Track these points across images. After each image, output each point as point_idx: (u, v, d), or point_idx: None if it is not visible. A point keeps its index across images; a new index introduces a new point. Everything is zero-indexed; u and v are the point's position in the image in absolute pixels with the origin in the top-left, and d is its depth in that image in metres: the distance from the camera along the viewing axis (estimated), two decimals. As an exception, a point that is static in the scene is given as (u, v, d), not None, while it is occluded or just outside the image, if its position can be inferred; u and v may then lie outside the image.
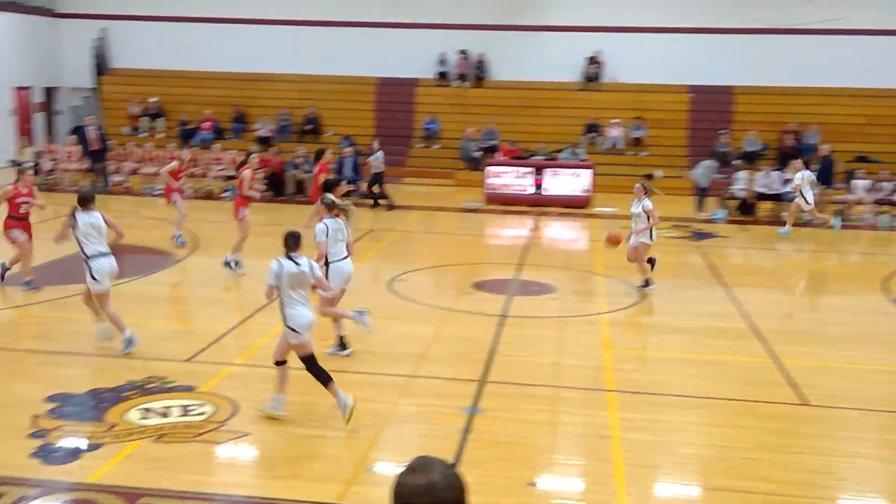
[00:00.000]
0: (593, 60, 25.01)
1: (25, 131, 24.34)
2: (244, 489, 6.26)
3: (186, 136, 23.62)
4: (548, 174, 20.44)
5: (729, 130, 23.01)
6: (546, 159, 21.23)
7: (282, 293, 7.17)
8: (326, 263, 8.83)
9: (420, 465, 2.27)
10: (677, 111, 24.28)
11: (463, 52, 25.39)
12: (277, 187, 20.45)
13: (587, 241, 17.24)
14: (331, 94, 25.17)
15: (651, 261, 12.12)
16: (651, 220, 11.85)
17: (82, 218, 8.96)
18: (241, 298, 11.87)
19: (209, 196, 20.26)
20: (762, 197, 19.25)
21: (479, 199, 20.63)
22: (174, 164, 15.16)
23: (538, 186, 20.43)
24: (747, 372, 9.01)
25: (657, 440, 7.17)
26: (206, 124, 23.78)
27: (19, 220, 11.42)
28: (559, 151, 22.11)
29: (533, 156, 21.50)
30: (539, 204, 20.04)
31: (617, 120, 23.80)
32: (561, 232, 18.75)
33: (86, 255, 8.88)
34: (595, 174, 20.43)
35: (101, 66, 26.02)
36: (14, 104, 24.66)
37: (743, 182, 19.32)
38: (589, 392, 8.22)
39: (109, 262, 9.01)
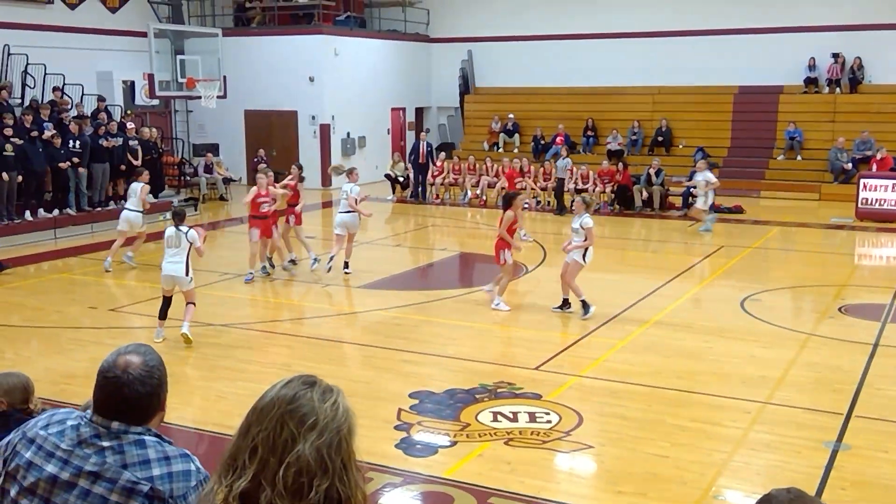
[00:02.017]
0: None
1: (398, 149, 26.75)
2: (588, 501, 6.27)
3: (540, 150, 24.44)
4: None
5: None
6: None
7: None
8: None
9: (798, 498, 2.02)
10: None
11: (836, 55, 23.41)
12: (626, 201, 20.38)
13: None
14: (684, 105, 24.59)
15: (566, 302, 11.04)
16: (588, 239, 10.60)
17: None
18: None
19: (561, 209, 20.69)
20: None
21: (849, 214, 18.88)
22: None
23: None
24: None
25: None
26: (559, 139, 24.42)
27: (259, 218, 12.68)
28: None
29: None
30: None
31: None
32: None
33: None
34: None
35: (466, 87, 27.84)
36: (389, 124, 27.27)
37: None
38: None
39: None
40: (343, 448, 1.96)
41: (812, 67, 23.62)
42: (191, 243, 9.66)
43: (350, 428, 2.00)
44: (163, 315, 9.94)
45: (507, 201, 11.39)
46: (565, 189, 20.00)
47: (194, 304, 9.97)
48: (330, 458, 1.92)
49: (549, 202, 20.97)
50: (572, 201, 12.02)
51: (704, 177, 17.35)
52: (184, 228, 9.72)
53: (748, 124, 23.82)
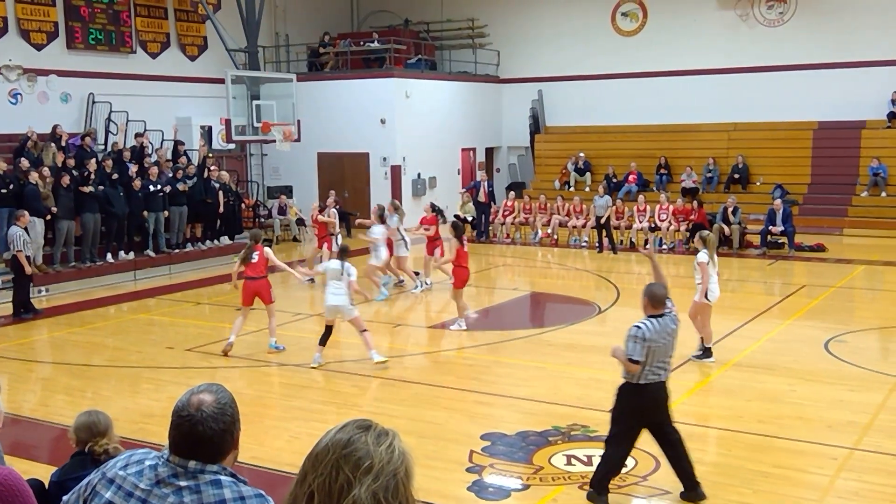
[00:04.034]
0: None
1: (468, 189, 26.82)
2: (666, 550, 6.05)
3: (613, 189, 24.22)
4: None
5: None
6: None
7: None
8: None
9: None
10: None
11: (919, 89, 22.74)
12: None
13: None
14: (761, 141, 24.10)
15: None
16: (703, 276, 10.19)
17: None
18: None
19: (632, 247, 20.44)
20: None
21: (937, 252, 18.16)
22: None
23: None
24: None
25: None
26: (632, 177, 24.18)
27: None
28: None
29: None
30: None
31: None
32: None
33: None
34: None
35: (536, 126, 27.87)
36: (460, 164, 27.42)
37: None
38: None
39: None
40: (400, 491, 1.92)
41: (895, 102, 22.96)
42: (350, 277, 10.32)
43: (407, 471, 1.96)
44: (323, 342, 10.49)
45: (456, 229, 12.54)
46: (613, 227, 20.07)
47: (366, 330, 10.47)
48: (387, 501, 1.89)
49: (617, 241, 20.71)
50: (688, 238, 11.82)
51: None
52: (346, 264, 10.35)
53: (829, 160, 23.20)
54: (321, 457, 1.95)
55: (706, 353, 10.45)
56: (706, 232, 10.94)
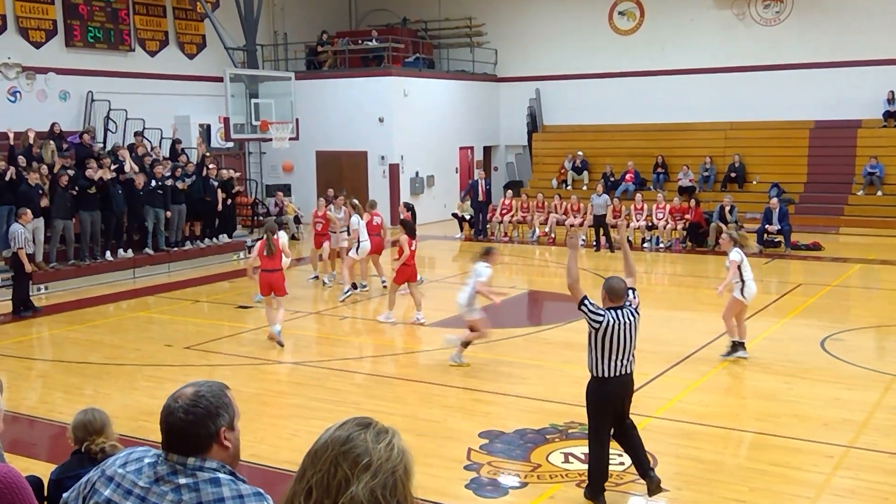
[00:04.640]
0: None
1: (466, 192, 26.84)
2: (662, 547, 6.09)
3: (610, 187, 24.24)
4: None
5: None
6: None
7: None
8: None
9: None
10: None
11: (915, 88, 22.81)
12: (698, 238, 20.05)
13: None
14: (757, 140, 24.16)
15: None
16: (731, 273, 10.26)
17: None
18: (661, 350, 11.72)
19: (630, 247, 20.44)
20: None
21: (932, 251, 18.23)
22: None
23: None
24: None
25: None
26: (629, 175, 24.22)
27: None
28: None
29: None
30: None
31: None
32: None
33: None
34: None
35: (534, 125, 27.90)
36: (457, 163, 27.44)
37: None
38: None
39: None
40: (399, 489, 1.93)
41: (891, 101, 23.02)
42: (478, 277, 10.40)
43: (406, 469, 1.96)
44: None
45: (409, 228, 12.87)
46: (609, 225, 20.08)
47: (470, 342, 10.48)
48: (385, 498, 1.89)
49: (614, 239, 20.76)
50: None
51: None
52: (479, 263, 10.55)
53: (825, 159, 23.29)
54: (320, 453, 1.96)
55: (735, 347, 10.43)
56: (733, 231, 10.94)
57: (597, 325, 6.32)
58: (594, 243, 20.24)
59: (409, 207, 16.06)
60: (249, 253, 15.98)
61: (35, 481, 4.11)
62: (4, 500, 2.76)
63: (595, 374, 6.47)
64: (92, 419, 4.49)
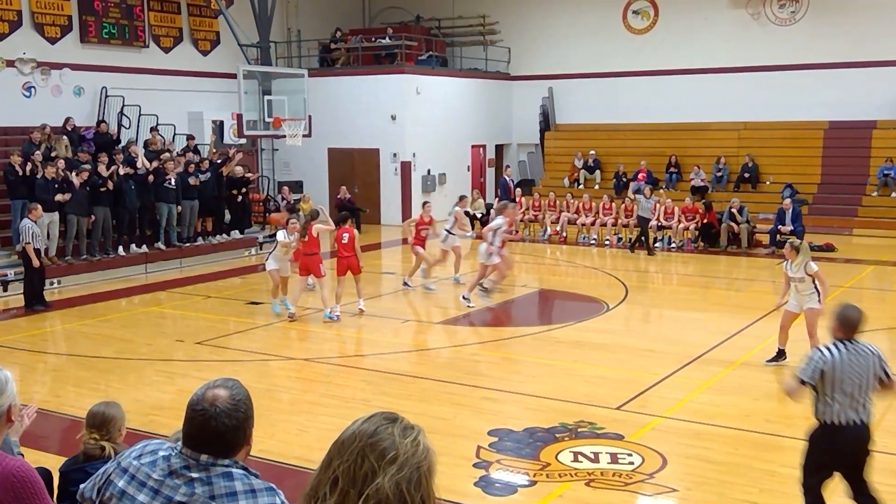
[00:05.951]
0: None
1: (478, 185, 26.85)
2: (671, 547, 6.07)
3: (622, 187, 24.20)
4: None
5: None
6: None
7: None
8: None
9: None
10: None
11: (930, 88, 22.65)
12: (710, 238, 19.98)
13: None
14: (771, 140, 24.05)
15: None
16: (821, 283, 9.83)
17: None
18: (672, 350, 11.70)
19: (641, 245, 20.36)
20: None
21: (947, 253, 18.09)
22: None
23: None
24: None
25: None
26: (641, 175, 24.14)
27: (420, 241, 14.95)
28: None
29: None
30: None
31: None
32: None
33: None
34: None
35: (546, 123, 27.85)
36: (469, 161, 27.43)
37: None
38: None
39: None
40: (423, 485, 1.95)
41: (906, 101, 22.89)
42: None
43: (430, 466, 2.00)
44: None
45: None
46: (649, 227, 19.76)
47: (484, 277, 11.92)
48: (409, 492, 1.92)
49: (626, 238, 20.68)
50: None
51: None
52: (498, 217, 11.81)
53: (839, 160, 23.16)
54: (347, 444, 1.98)
55: (780, 355, 10.27)
56: (796, 241, 10.58)
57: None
58: (629, 242, 19.94)
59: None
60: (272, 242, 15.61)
61: (44, 473, 4.14)
62: (17, 494, 2.77)
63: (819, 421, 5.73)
64: (95, 413, 4.46)
